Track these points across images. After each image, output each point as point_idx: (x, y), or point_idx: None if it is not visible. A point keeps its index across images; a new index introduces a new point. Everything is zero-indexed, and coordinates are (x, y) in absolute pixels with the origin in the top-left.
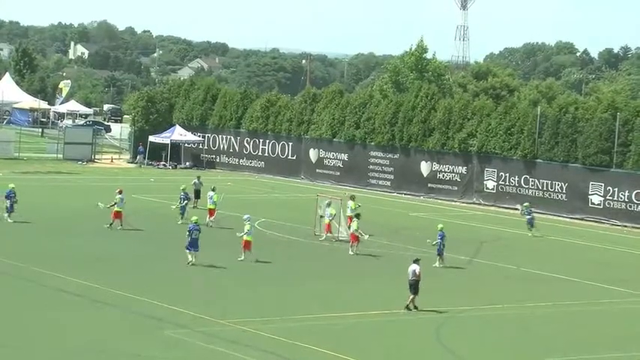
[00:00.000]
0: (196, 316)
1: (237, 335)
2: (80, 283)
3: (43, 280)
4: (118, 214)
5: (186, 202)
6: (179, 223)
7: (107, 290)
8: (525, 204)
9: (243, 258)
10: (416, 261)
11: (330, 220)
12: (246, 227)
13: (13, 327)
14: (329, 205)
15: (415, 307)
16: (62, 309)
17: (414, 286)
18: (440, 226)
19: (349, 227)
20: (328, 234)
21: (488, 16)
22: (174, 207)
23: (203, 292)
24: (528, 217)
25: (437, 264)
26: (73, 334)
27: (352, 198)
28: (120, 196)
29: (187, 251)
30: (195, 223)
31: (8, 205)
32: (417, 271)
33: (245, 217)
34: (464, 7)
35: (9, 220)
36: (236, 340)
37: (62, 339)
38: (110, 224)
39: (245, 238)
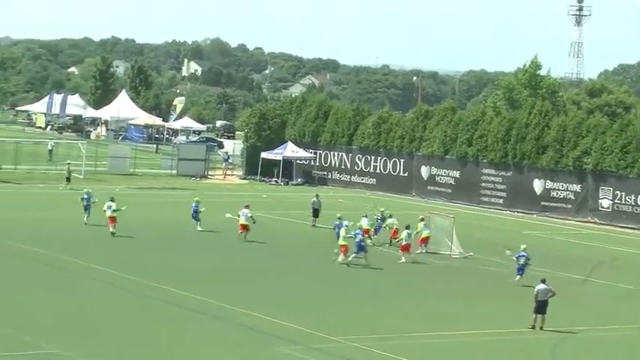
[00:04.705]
0: (308, 332)
1: (351, 353)
2: (191, 297)
3: (161, 295)
4: (243, 227)
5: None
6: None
7: (217, 304)
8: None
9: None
10: (543, 281)
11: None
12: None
13: (119, 339)
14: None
15: (541, 328)
16: (173, 323)
17: (544, 307)
18: (523, 246)
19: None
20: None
21: (603, 32)
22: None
23: (314, 308)
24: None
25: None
26: (183, 348)
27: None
28: (244, 210)
29: None
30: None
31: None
32: (554, 290)
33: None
34: (578, 23)
35: (199, 229)
36: (350, 357)
37: (171, 353)
38: (244, 235)
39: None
